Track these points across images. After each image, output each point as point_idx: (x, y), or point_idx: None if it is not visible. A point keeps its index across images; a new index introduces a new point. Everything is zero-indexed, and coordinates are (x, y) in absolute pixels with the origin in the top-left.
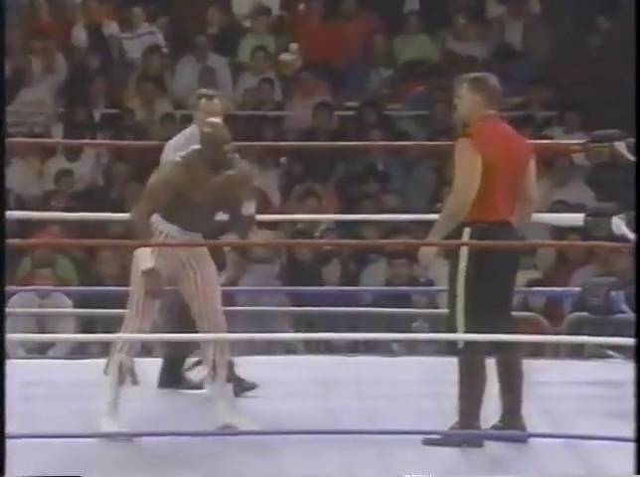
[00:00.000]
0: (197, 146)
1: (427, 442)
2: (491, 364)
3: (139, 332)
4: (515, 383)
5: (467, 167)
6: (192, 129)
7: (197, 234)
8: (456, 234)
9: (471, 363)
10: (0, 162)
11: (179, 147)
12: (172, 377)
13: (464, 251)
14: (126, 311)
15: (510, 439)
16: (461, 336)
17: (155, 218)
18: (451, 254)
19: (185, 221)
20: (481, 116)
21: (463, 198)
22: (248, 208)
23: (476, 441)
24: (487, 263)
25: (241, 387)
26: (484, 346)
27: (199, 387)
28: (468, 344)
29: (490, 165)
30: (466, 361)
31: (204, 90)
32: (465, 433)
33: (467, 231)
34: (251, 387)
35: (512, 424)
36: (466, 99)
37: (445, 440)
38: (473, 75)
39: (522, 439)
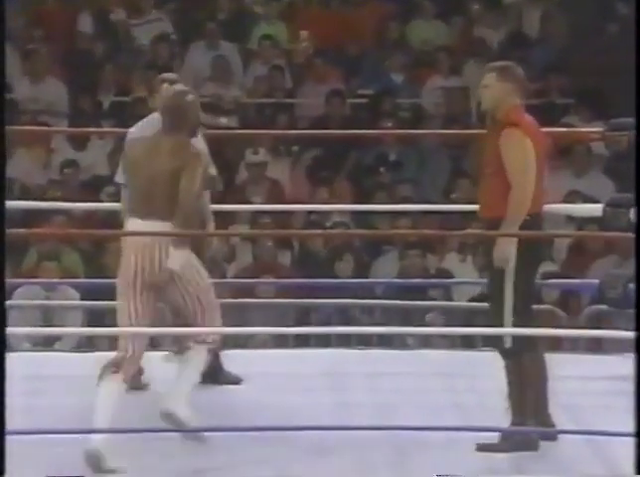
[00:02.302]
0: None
1: (482, 448)
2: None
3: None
4: (538, 379)
5: (524, 156)
6: (154, 116)
7: None
8: (496, 228)
9: (522, 360)
10: (0, 158)
11: (136, 135)
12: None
13: (513, 246)
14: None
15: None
16: (465, 330)
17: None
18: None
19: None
20: (513, 106)
21: (526, 186)
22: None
23: (534, 445)
24: (533, 257)
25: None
26: (533, 340)
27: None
28: (517, 341)
29: (535, 155)
30: (516, 359)
31: (166, 75)
32: (520, 438)
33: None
34: (237, 380)
35: (540, 423)
36: (495, 89)
37: (502, 446)
38: (500, 63)
39: (550, 437)
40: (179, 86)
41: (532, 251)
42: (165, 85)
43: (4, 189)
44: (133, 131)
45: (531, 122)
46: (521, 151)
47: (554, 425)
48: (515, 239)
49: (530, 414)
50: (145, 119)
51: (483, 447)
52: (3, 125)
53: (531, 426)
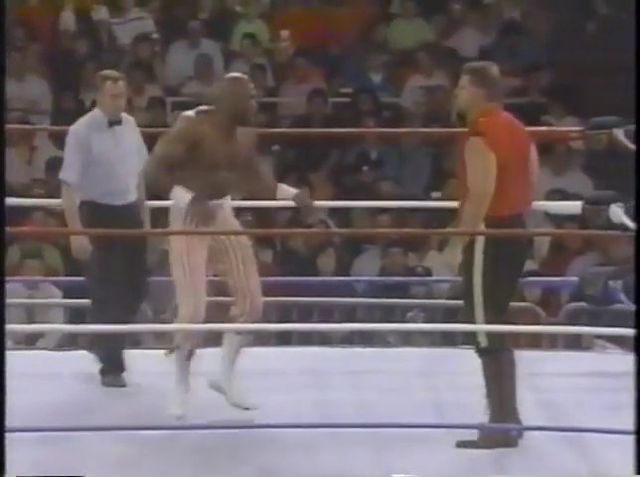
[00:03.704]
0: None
1: (461, 445)
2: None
3: (194, 314)
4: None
5: (482, 167)
6: (95, 113)
7: (223, 200)
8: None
9: (496, 359)
10: (0, 158)
11: (81, 132)
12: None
13: (479, 246)
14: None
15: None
16: (446, 327)
17: (178, 195)
18: (466, 250)
19: (203, 188)
20: (484, 110)
21: (482, 199)
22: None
23: (512, 442)
24: (502, 257)
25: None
26: (507, 338)
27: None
28: (491, 340)
29: (502, 161)
30: (491, 358)
31: (108, 72)
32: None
33: (481, 226)
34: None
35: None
36: (468, 92)
37: (481, 442)
38: (475, 65)
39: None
40: (233, 74)
41: (501, 253)
42: (108, 83)
43: (3, 189)
44: (77, 127)
45: (503, 125)
46: (480, 162)
47: (521, 422)
48: (459, 249)
49: (508, 412)
50: (89, 114)
51: (463, 444)
52: (3, 125)
53: (509, 423)
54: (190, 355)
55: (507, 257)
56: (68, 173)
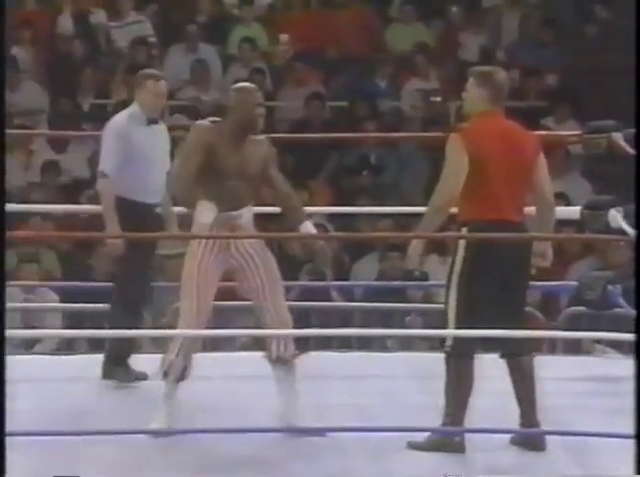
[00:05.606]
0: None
1: (412, 446)
2: (501, 364)
3: (195, 328)
4: (525, 385)
5: (453, 164)
6: (133, 109)
7: (238, 212)
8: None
9: (458, 363)
10: (1, 164)
11: (122, 124)
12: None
13: (460, 250)
14: (180, 306)
15: (527, 446)
16: (456, 332)
17: (201, 211)
18: (450, 253)
19: (221, 198)
20: (482, 112)
21: (447, 194)
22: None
23: (458, 447)
24: (481, 263)
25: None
26: (475, 345)
27: (142, 378)
28: (457, 343)
29: (483, 162)
30: (453, 361)
31: (151, 71)
32: (448, 438)
33: (464, 230)
34: (143, 377)
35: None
36: (471, 94)
37: (427, 445)
38: (481, 69)
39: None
40: (241, 84)
41: (476, 259)
42: (150, 82)
43: (4, 191)
44: (117, 120)
45: (494, 129)
46: (451, 158)
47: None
48: (421, 242)
49: (460, 417)
50: (127, 110)
51: (412, 445)
52: (3, 129)
53: (459, 428)
54: (183, 370)
55: (485, 264)
56: (106, 164)
